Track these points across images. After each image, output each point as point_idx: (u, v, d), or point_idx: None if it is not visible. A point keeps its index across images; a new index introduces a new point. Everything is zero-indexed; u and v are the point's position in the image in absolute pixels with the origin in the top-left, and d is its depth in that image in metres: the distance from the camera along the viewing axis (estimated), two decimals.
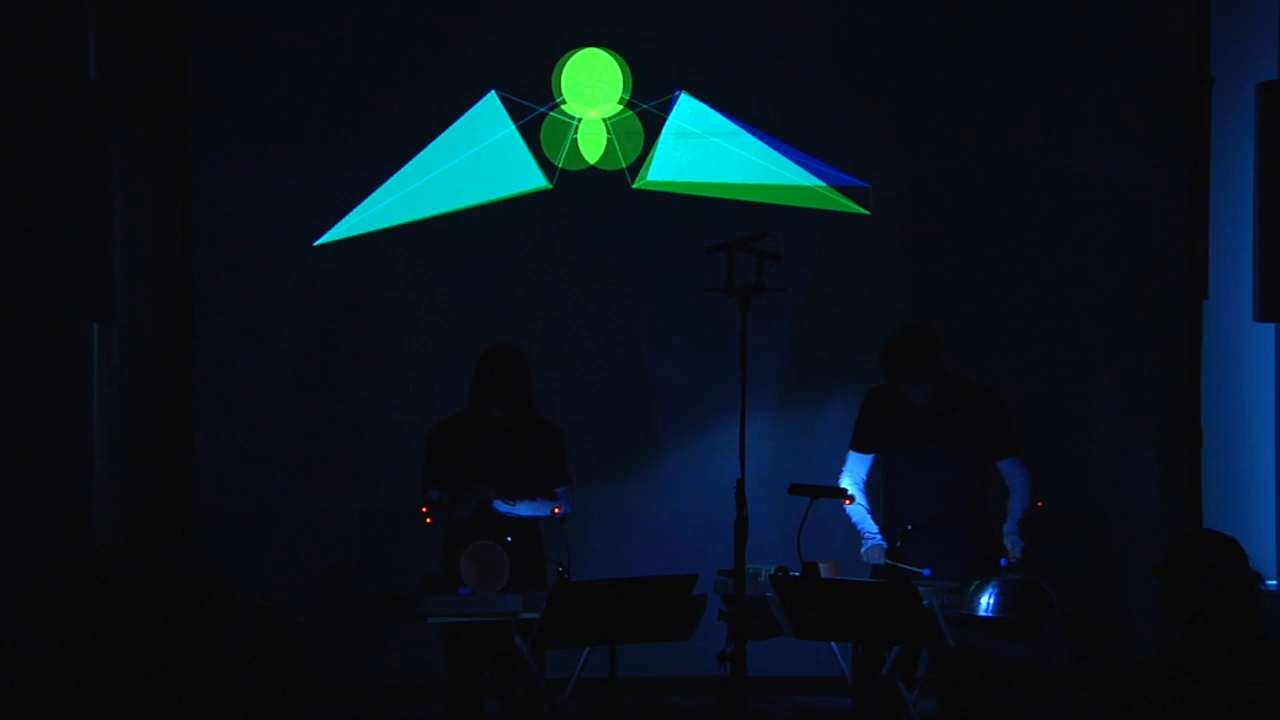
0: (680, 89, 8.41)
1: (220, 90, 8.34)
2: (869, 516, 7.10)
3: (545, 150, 8.36)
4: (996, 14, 8.49)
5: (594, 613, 6.58)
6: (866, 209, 8.41)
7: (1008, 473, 7.06)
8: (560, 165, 8.37)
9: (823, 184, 8.38)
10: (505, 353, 7.15)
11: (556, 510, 7.07)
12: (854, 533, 7.14)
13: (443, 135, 8.37)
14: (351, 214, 8.34)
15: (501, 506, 7.01)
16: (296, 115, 8.37)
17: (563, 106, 8.35)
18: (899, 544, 6.99)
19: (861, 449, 7.22)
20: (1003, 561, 6.78)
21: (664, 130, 8.39)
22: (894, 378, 7.03)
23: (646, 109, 8.37)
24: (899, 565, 6.88)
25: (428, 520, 6.90)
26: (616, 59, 8.40)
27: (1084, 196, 8.50)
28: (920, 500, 7.04)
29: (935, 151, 8.50)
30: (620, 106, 8.38)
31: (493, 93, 8.37)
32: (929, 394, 7.01)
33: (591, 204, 8.43)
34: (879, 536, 7.03)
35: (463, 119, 8.38)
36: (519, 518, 7.05)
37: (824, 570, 6.71)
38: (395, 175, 8.36)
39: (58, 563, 7.48)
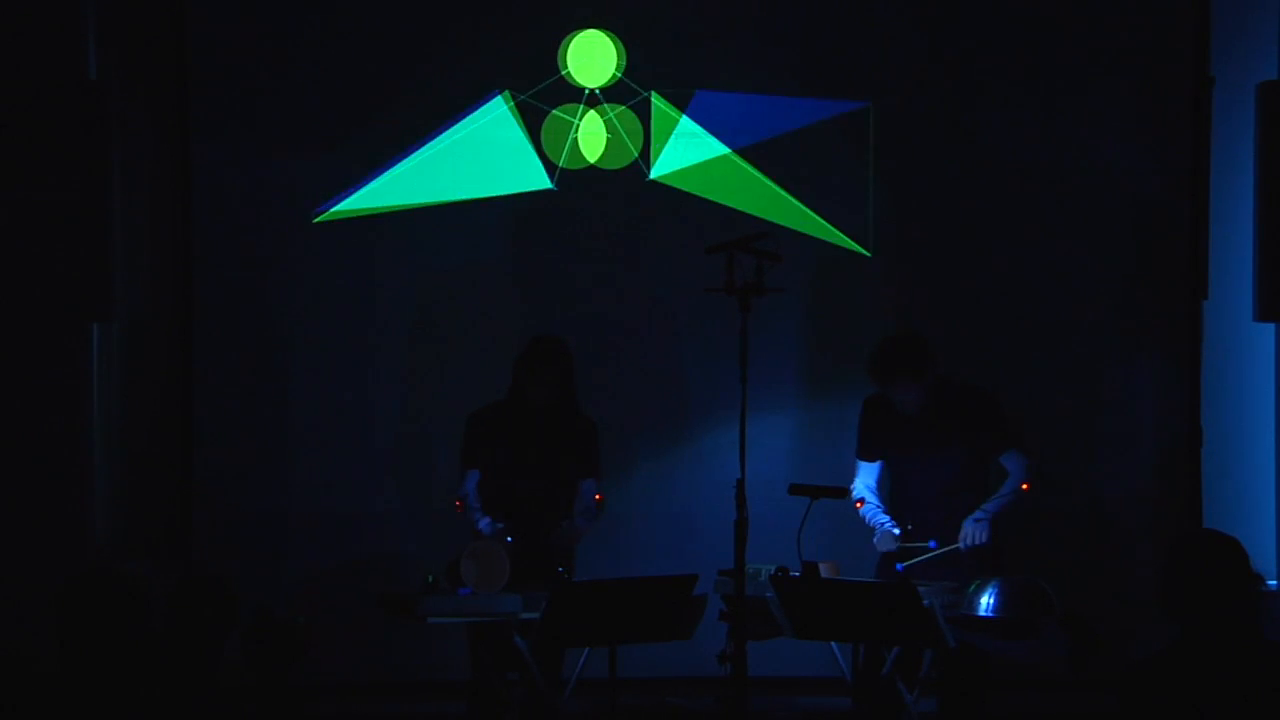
0: (682, 81, 8.41)
1: (220, 90, 8.33)
2: (879, 510, 7.12)
3: (545, 149, 8.36)
4: (996, 14, 8.48)
5: (594, 613, 6.59)
6: (866, 222, 8.41)
7: (1007, 466, 7.06)
8: (560, 164, 8.36)
9: (825, 222, 8.40)
10: (543, 343, 7.29)
11: (598, 497, 7.24)
12: (861, 533, 7.16)
13: (448, 129, 8.37)
14: (352, 194, 8.34)
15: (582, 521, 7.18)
16: (297, 115, 8.36)
17: (566, 76, 8.34)
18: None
19: (866, 457, 7.24)
20: (931, 544, 6.85)
21: (675, 131, 8.39)
22: (881, 382, 7.04)
23: (655, 102, 8.38)
24: (906, 545, 6.91)
25: (458, 506, 7.07)
26: (612, 38, 8.40)
27: (1084, 196, 8.49)
28: (923, 503, 7.04)
29: (933, 152, 8.50)
30: (617, 75, 8.36)
31: (506, 93, 8.37)
32: (919, 401, 7.01)
33: (591, 203, 8.42)
34: (890, 523, 7.04)
35: (469, 116, 8.38)
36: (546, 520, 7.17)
37: (824, 570, 6.71)
38: (398, 163, 8.36)
39: (58, 563, 7.47)
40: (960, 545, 6.91)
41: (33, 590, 7.06)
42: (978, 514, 6.94)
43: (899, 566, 6.83)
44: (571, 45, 8.36)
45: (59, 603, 4.27)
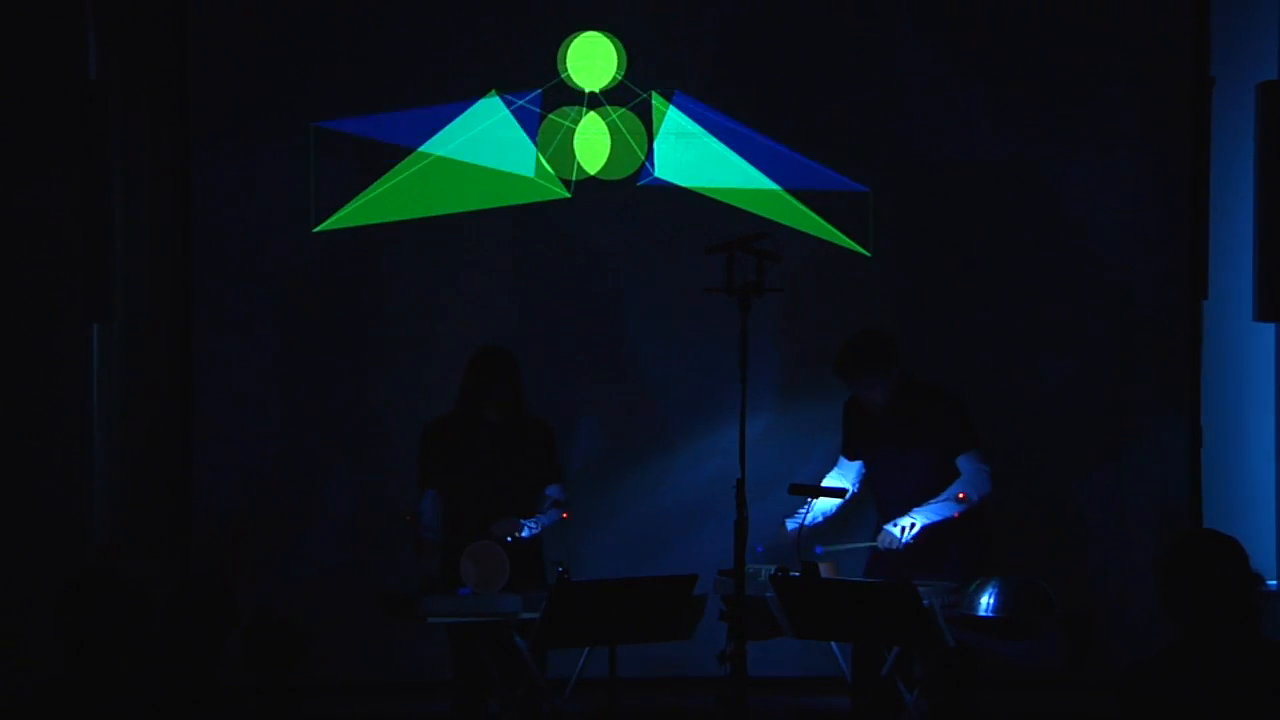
0: (678, 88, 8.41)
1: (220, 90, 8.34)
2: (813, 508, 7.12)
3: (544, 158, 8.35)
4: (996, 14, 8.49)
5: (594, 613, 6.58)
6: (866, 226, 8.41)
7: (961, 468, 7.05)
8: (560, 175, 8.36)
9: (825, 222, 8.40)
10: (495, 357, 7.18)
11: (565, 515, 7.10)
12: (862, 534, 7.18)
13: (445, 131, 8.38)
14: (350, 204, 8.34)
15: (527, 532, 7.03)
16: (297, 115, 8.36)
17: (565, 79, 8.34)
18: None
19: (846, 455, 7.26)
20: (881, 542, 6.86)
21: (662, 129, 8.39)
22: (845, 379, 7.07)
23: (637, 103, 8.38)
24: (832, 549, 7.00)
25: (408, 519, 7.03)
26: (612, 40, 8.40)
27: (1084, 196, 8.50)
28: (897, 502, 7.04)
29: (934, 151, 8.50)
30: (617, 77, 8.36)
31: (494, 91, 8.38)
32: (884, 397, 7.02)
33: (591, 203, 8.42)
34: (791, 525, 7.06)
35: (463, 117, 8.38)
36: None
37: (824, 570, 6.72)
38: (395, 168, 8.36)
39: (58, 563, 7.48)
40: (879, 545, 6.92)
41: (33, 590, 7.08)
42: (903, 520, 6.92)
43: (819, 549, 6.85)
44: (572, 47, 8.37)
45: (59, 603, 4.27)
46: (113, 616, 4.24)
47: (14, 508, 7.83)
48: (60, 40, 7.92)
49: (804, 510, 7.06)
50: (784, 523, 7.08)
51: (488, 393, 7.11)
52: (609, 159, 8.38)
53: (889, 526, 6.93)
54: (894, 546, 6.89)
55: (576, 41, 8.37)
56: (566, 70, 8.31)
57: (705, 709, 7.64)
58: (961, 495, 6.96)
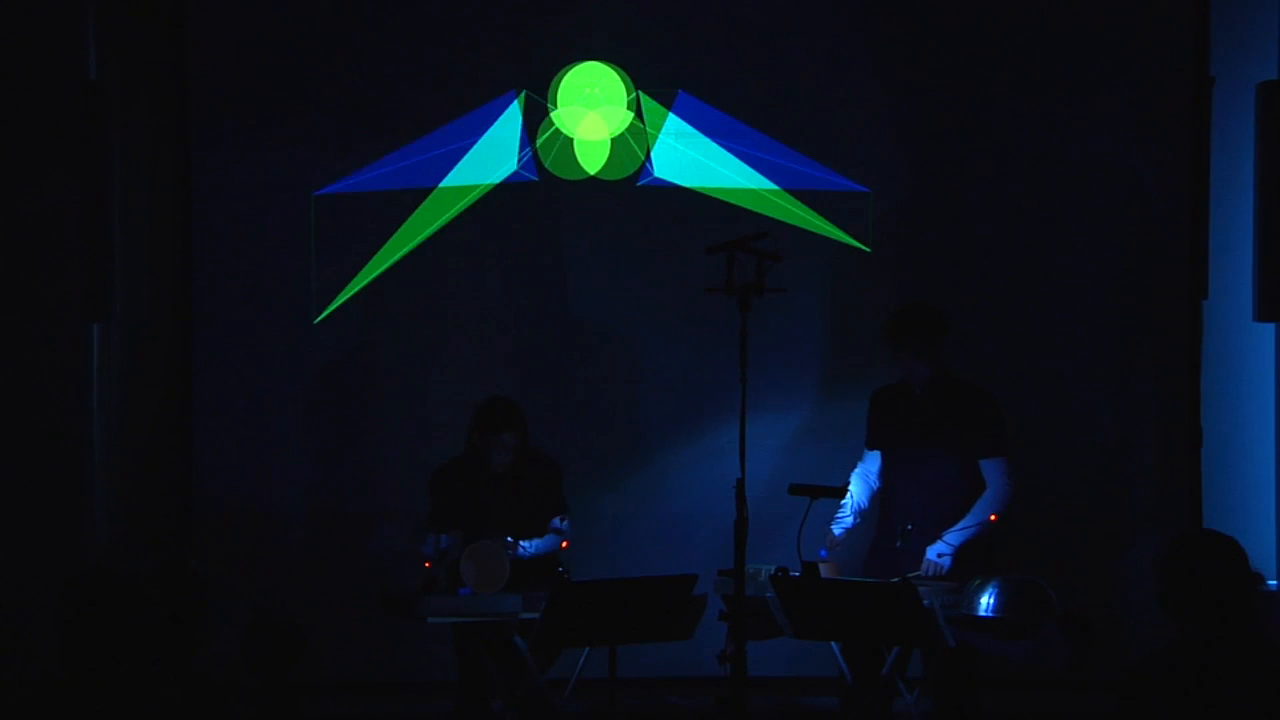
0: (681, 89, 8.41)
1: (220, 90, 8.34)
2: (846, 506, 7.14)
3: (544, 161, 8.35)
4: (996, 14, 8.49)
5: (594, 613, 6.59)
6: (867, 225, 8.41)
7: (986, 474, 7.04)
8: (560, 175, 8.36)
9: (824, 219, 8.40)
10: (501, 408, 7.20)
11: (565, 545, 7.11)
12: (862, 533, 7.18)
13: (451, 131, 8.39)
14: (350, 176, 8.35)
15: (521, 551, 7.03)
16: (297, 115, 8.36)
17: (554, 118, 8.34)
18: (898, 544, 7.00)
19: (870, 446, 7.25)
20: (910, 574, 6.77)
21: (663, 130, 8.39)
22: (890, 344, 7.04)
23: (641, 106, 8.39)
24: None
25: (426, 564, 6.98)
26: (618, 72, 8.38)
27: (1084, 196, 8.50)
28: (913, 499, 7.04)
29: (935, 152, 8.50)
30: (621, 126, 8.36)
31: (512, 93, 8.38)
32: (926, 374, 7.01)
33: (592, 202, 8.42)
34: (838, 533, 7.09)
35: (476, 111, 8.39)
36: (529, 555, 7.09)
37: (824, 570, 6.72)
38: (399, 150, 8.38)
39: (58, 562, 7.47)
40: (923, 573, 6.89)
41: (33, 590, 7.08)
42: (941, 547, 6.90)
43: (823, 553, 6.87)
44: (564, 81, 8.35)
45: (59, 603, 4.27)
46: (113, 616, 4.23)
47: (14, 508, 7.82)
48: (60, 40, 7.91)
49: (842, 511, 7.11)
50: (830, 531, 7.08)
51: (494, 443, 7.14)
52: (609, 159, 8.38)
53: (930, 554, 6.90)
54: (941, 574, 6.87)
55: (570, 76, 8.35)
56: (557, 110, 8.31)
57: (705, 709, 7.64)
58: (994, 517, 6.94)
